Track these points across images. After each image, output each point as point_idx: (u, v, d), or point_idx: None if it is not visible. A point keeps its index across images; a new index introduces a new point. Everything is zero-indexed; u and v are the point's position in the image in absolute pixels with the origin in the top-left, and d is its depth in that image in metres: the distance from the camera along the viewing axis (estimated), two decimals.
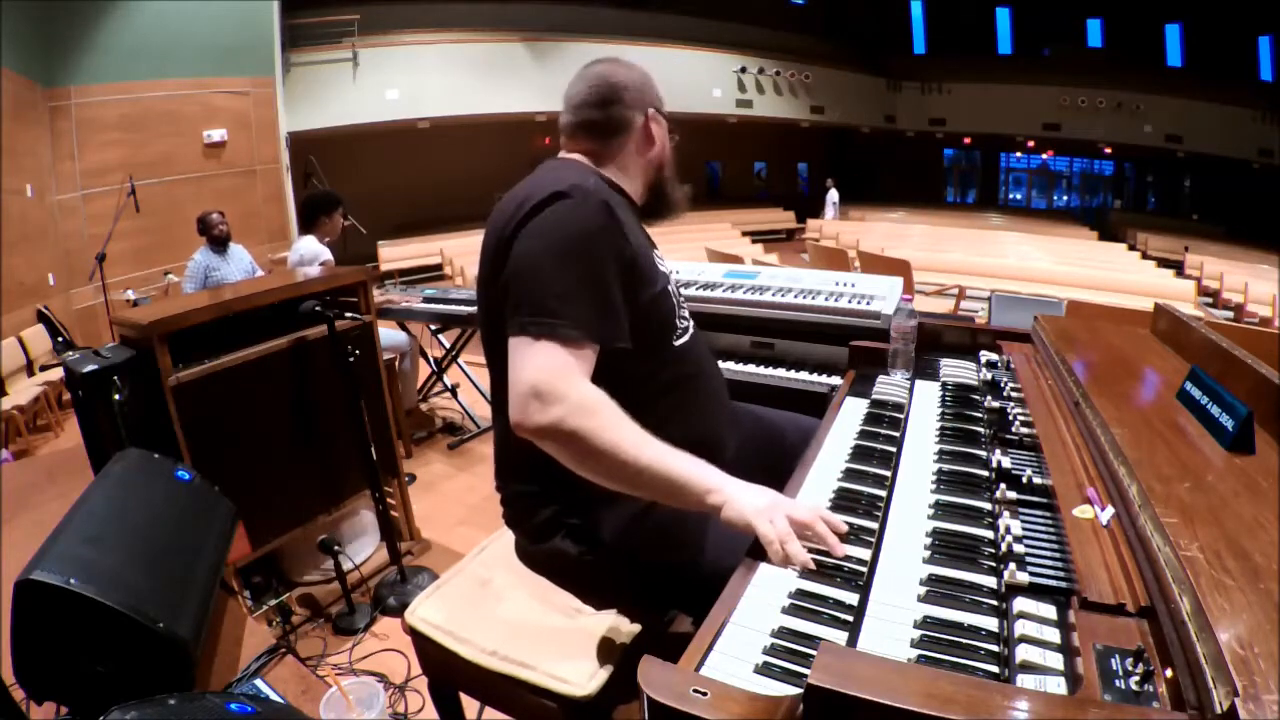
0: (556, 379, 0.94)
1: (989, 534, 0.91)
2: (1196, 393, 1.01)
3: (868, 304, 2.27)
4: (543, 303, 0.98)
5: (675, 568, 1.11)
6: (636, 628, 1.12)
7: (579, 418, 0.92)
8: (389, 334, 3.39)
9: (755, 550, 0.91)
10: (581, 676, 1.02)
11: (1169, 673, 0.60)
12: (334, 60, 9.83)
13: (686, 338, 1.22)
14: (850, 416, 1.35)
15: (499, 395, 1.18)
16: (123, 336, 1.82)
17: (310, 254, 3.36)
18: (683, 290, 2.27)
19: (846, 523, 0.94)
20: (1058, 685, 0.63)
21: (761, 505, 0.91)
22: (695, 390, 1.22)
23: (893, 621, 0.77)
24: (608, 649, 1.07)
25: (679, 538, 1.11)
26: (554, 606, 1.17)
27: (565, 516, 1.15)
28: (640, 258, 1.10)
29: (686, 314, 1.26)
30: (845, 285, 2.42)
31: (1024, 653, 0.66)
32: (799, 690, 0.60)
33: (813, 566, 0.86)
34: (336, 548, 2.11)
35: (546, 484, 1.14)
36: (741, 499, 0.92)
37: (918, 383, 1.51)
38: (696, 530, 1.11)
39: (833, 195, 13.74)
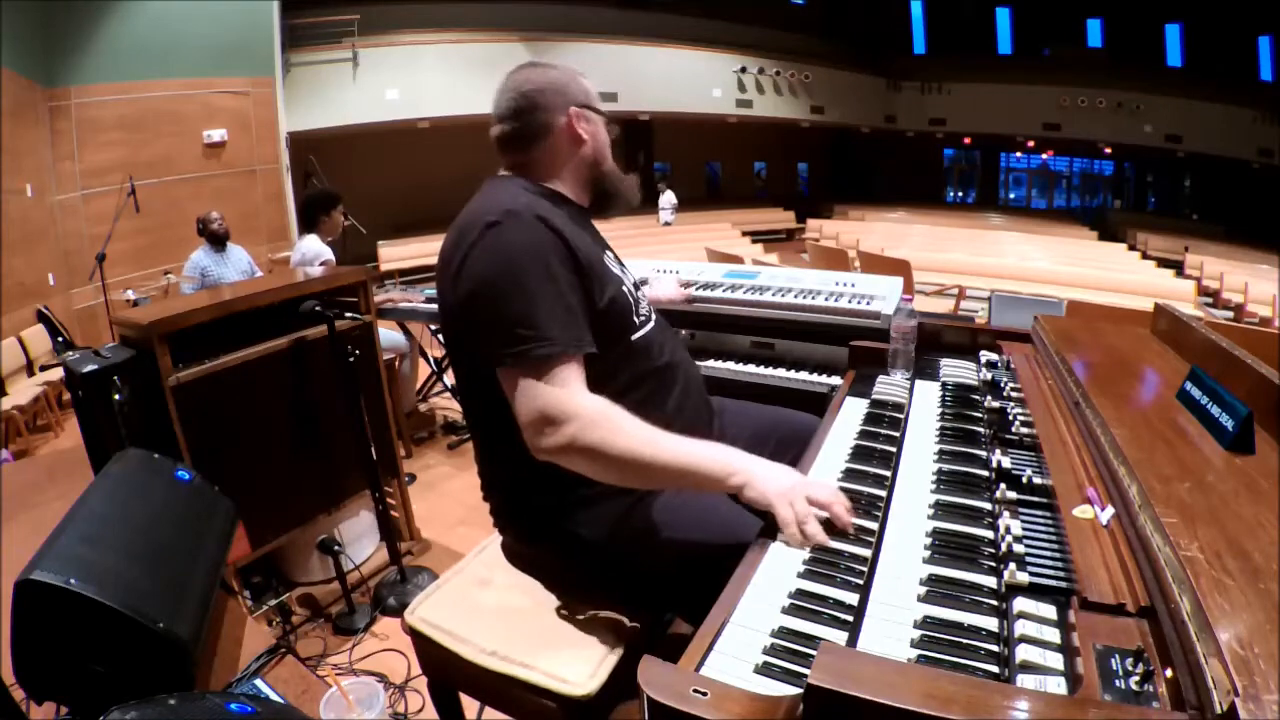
0: (559, 401, 0.97)
1: (989, 534, 0.91)
2: (1196, 393, 1.01)
3: (868, 304, 2.27)
4: (511, 331, 0.99)
5: (659, 567, 1.12)
6: (636, 628, 1.12)
7: (590, 432, 0.96)
8: (388, 335, 3.39)
9: (767, 530, 0.94)
10: (581, 676, 1.02)
11: (1169, 673, 0.60)
12: (334, 60, 9.82)
13: (645, 330, 1.21)
14: (850, 416, 1.35)
15: (472, 406, 1.22)
16: (123, 336, 1.82)
17: (313, 253, 3.37)
18: (684, 290, 2.29)
19: None
20: (1058, 685, 0.63)
21: (784, 487, 0.95)
22: (658, 386, 1.21)
23: (893, 621, 0.77)
24: (607, 649, 1.07)
25: (662, 538, 1.11)
26: (553, 606, 1.17)
27: (548, 520, 1.16)
28: (592, 263, 1.10)
29: (645, 309, 1.25)
30: (845, 285, 2.43)
31: (1024, 653, 0.66)
32: (799, 690, 0.60)
33: (829, 544, 0.89)
34: (336, 548, 2.11)
35: (528, 490, 1.16)
36: (765, 480, 0.96)
37: (918, 383, 1.51)
38: (679, 530, 1.11)
39: (668, 197, 12.72)
